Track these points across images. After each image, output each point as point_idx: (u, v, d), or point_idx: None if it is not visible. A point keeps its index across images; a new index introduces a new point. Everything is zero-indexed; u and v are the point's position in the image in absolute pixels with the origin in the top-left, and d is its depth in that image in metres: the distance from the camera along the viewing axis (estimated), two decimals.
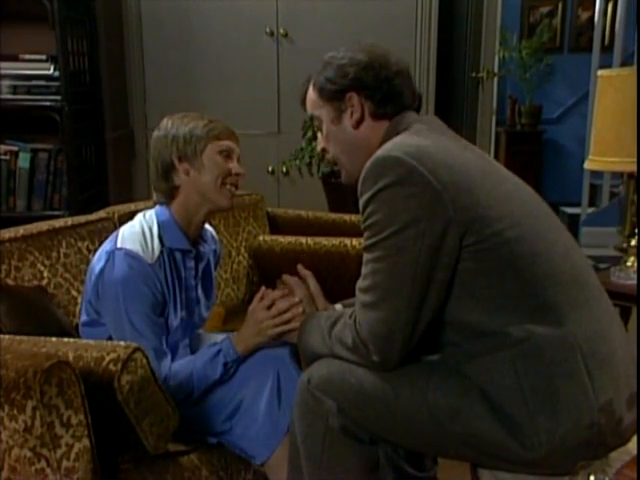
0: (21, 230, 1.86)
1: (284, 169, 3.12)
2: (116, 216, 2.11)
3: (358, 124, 1.44)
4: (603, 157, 2.53)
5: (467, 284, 1.25)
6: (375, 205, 1.25)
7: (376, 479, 1.38)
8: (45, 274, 1.86)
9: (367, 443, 1.35)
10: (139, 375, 1.26)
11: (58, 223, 1.97)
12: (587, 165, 2.62)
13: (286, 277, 1.60)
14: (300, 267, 1.62)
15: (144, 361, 1.30)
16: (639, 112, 2.30)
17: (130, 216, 2.14)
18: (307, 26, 3.29)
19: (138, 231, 1.62)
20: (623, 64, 5.23)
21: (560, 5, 5.53)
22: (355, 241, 2.39)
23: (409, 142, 1.31)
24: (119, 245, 1.57)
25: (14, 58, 2.84)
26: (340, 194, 2.76)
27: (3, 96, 2.81)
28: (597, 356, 1.23)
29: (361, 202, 1.28)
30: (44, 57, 2.83)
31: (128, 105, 3.37)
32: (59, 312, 1.81)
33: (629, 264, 2.62)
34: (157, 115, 3.54)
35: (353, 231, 2.50)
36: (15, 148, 2.85)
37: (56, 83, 2.81)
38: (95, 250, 2.00)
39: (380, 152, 1.29)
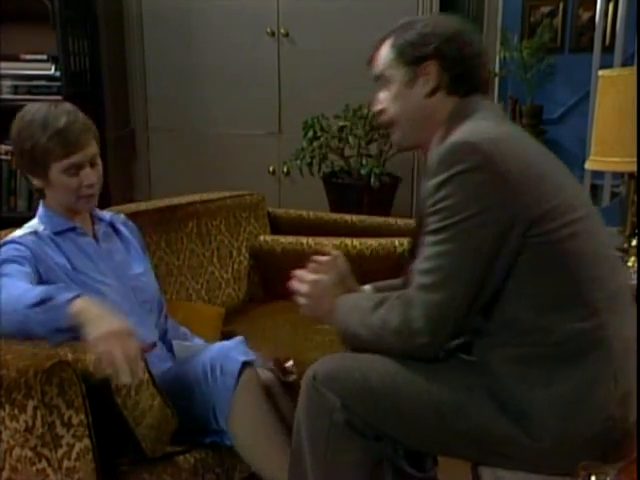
0: (19, 232, 1.87)
1: (285, 169, 3.11)
2: None
3: (431, 94, 1.42)
4: (604, 157, 2.53)
5: (522, 278, 1.27)
6: (449, 189, 1.25)
7: (380, 475, 1.38)
8: None
9: (371, 439, 1.35)
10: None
11: None
12: (588, 165, 2.61)
13: (317, 257, 1.56)
14: (331, 249, 1.61)
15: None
16: (639, 112, 2.31)
17: (131, 215, 2.17)
18: (308, 26, 3.29)
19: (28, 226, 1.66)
20: (624, 64, 5.23)
21: (561, 5, 5.52)
22: (356, 241, 2.39)
23: (485, 130, 1.32)
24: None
25: (15, 58, 2.85)
26: (341, 194, 2.77)
27: (4, 96, 2.82)
28: (627, 359, 1.27)
29: (433, 183, 1.28)
30: (45, 57, 2.85)
31: (129, 104, 3.37)
32: None
33: (630, 264, 2.62)
34: (158, 114, 3.57)
35: (354, 231, 2.50)
36: None
37: (57, 83, 2.82)
38: None
39: (458, 137, 1.30)
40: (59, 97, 2.80)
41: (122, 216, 1.88)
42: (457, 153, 1.27)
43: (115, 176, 3.22)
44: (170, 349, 1.80)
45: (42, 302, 1.26)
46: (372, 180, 2.66)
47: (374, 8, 3.18)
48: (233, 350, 1.57)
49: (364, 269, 2.37)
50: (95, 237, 1.70)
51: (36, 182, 1.59)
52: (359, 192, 2.67)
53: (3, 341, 1.22)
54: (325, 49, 3.23)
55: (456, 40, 1.41)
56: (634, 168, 2.55)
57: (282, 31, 3.31)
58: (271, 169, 3.31)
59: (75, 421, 1.13)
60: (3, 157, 2.85)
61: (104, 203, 3.10)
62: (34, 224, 1.65)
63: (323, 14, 3.28)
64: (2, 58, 2.84)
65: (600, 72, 2.59)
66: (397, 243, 2.38)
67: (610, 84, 2.52)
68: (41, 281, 1.50)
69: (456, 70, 1.41)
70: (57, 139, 1.52)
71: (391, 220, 2.59)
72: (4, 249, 1.55)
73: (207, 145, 3.39)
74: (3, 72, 2.82)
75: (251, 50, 3.36)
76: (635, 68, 2.65)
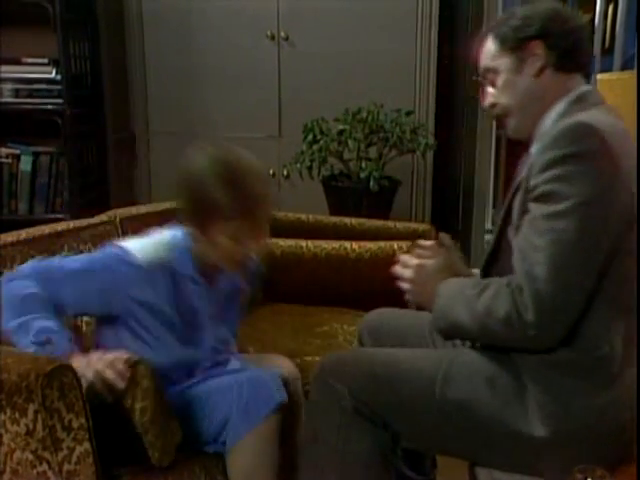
0: (23, 234, 1.87)
1: (285, 172, 3.13)
2: (118, 219, 2.11)
3: (540, 72, 1.42)
4: None
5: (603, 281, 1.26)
6: (564, 169, 1.23)
7: (389, 464, 1.39)
8: None
9: (381, 427, 1.37)
10: (144, 385, 1.26)
11: (60, 226, 1.98)
12: None
13: (421, 242, 1.54)
14: (442, 234, 1.56)
15: (148, 371, 1.30)
16: (639, 114, 2.31)
17: (132, 219, 2.18)
18: (308, 30, 3.30)
19: (156, 239, 1.54)
20: (624, 66, 5.24)
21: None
22: (355, 245, 2.40)
23: (604, 119, 1.30)
24: (125, 243, 1.52)
25: (16, 61, 2.86)
26: (341, 198, 2.78)
27: (5, 99, 2.83)
28: None
29: (544, 160, 1.26)
30: (46, 60, 2.85)
31: (130, 108, 3.38)
32: None
33: None
34: (159, 117, 3.58)
35: (353, 235, 2.51)
36: (17, 151, 2.87)
37: (58, 86, 2.83)
38: None
39: (578, 118, 1.28)
40: (60, 100, 2.82)
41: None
42: (574, 133, 1.25)
43: (116, 179, 3.24)
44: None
45: (40, 334, 1.29)
46: (371, 184, 2.67)
47: (374, 12, 3.19)
48: (270, 384, 1.50)
49: (363, 273, 2.39)
50: (212, 293, 1.60)
51: (189, 224, 1.47)
52: (358, 195, 2.67)
53: (4, 345, 1.24)
54: (325, 52, 3.25)
55: (558, 17, 1.42)
56: None
57: (282, 34, 3.32)
58: (271, 172, 3.32)
59: (75, 425, 1.14)
60: (4, 160, 2.86)
61: (105, 206, 3.13)
62: (166, 245, 1.51)
63: (323, 18, 3.29)
64: (3, 61, 2.85)
65: (599, 76, 2.61)
66: (396, 246, 2.38)
67: (609, 88, 2.53)
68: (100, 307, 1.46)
69: (562, 46, 1.41)
70: (249, 203, 1.40)
71: (390, 223, 2.59)
72: (109, 255, 1.46)
73: None
74: (4, 76, 2.83)
75: (251, 53, 3.37)
76: (634, 72, 2.67)
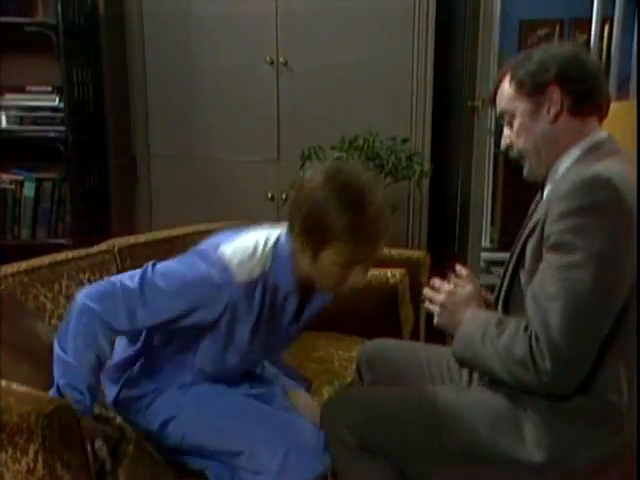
0: (23, 264, 1.94)
1: (284, 196, 3.17)
2: (116, 249, 2.17)
3: (556, 118, 1.44)
4: None
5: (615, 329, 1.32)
6: (580, 220, 1.27)
7: None
8: (48, 306, 1.93)
9: (385, 460, 1.44)
10: (127, 462, 1.35)
11: (60, 257, 2.04)
12: None
13: (459, 269, 1.59)
14: (459, 267, 1.59)
15: (130, 447, 1.41)
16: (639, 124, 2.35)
17: (130, 248, 2.22)
18: (306, 55, 3.36)
19: (253, 247, 1.49)
20: (620, 87, 5.30)
21: (557, 27, 5.60)
22: None
23: (619, 170, 1.34)
24: (221, 251, 1.47)
25: (21, 89, 2.92)
26: None
27: (10, 127, 2.88)
28: None
29: (561, 210, 1.30)
30: (49, 88, 2.91)
31: (131, 132, 3.43)
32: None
33: None
34: (159, 141, 3.63)
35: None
36: (21, 177, 2.93)
37: (60, 114, 2.88)
38: (95, 281, 2.09)
39: (595, 170, 1.32)
40: (62, 128, 2.87)
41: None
42: (590, 185, 1.29)
43: (117, 203, 3.28)
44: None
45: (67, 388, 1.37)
46: None
47: (372, 40, 3.24)
48: (313, 454, 1.49)
49: (358, 299, 2.43)
50: (300, 306, 1.59)
51: (299, 242, 1.41)
52: None
53: (5, 383, 1.29)
54: (323, 78, 3.30)
55: (575, 61, 1.45)
56: None
57: (281, 59, 3.37)
58: (269, 195, 3.37)
59: (75, 462, 1.19)
60: (8, 186, 2.92)
61: (106, 230, 3.18)
62: (263, 258, 1.47)
63: (322, 44, 3.35)
64: (9, 90, 2.90)
65: None
66: (389, 274, 2.44)
67: (612, 118, 2.57)
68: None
69: (579, 91, 1.43)
70: (359, 227, 1.33)
71: (385, 250, 2.63)
72: (209, 272, 1.42)
73: (207, 171, 3.45)
74: (10, 104, 2.89)
75: (250, 78, 3.42)
76: (623, 103, 2.71)
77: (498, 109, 1.53)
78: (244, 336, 1.52)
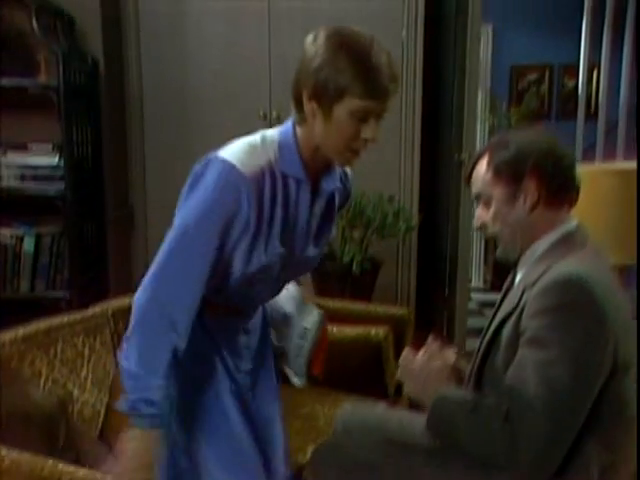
0: (21, 331, 2.02)
1: None
2: (110, 312, 2.26)
3: (532, 208, 1.52)
4: None
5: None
6: (555, 318, 1.37)
7: None
8: (43, 371, 2.02)
9: None
10: None
11: (55, 321, 2.13)
12: None
13: (432, 342, 1.63)
14: (430, 340, 1.65)
15: None
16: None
17: (124, 311, 2.31)
18: None
19: (248, 144, 1.49)
20: (608, 132, 5.41)
21: (547, 73, 5.74)
22: (335, 329, 2.52)
23: (590, 265, 1.44)
24: (221, 153, 1.46)
25: (23, 147, 3.03)
26: (325, 279, 2.91)
27: (11, 184, 2.99)
28: None
29: (537, 307, 1.39)
30: (50, 147, 3.02)
31: (128, 183, 3.55)
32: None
33: None
34: (156, 191, 3.74)
35: (336, 317, 2.63)
36: (21, 232, 3.02)
37: (60, 172, 2.98)
38: (90, 344, 2.18)
39: (568, 270, 1.41)
40: (62, 185, 2.98)
41: (348, 175, 1.69)
42: (563, 285, 1.38)
43: (114, 254, 3.38)
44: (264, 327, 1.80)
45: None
46: (354, 267, 2.81)
47: None
48: None
49: (343, 356, 2.52)
50: (312, 199, 1.55)
51: (306, 109, 1.41)
52: (342, 278, 2.82)
53: (4, 460, 1.37)
54: None
55: (552, 154, 1.52)
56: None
57: (274, 114, 3.50)
58: None
59: None
60: (8, 241, 3.02)
61: (103, 282, 3.27)
62: (265, 147, 1.47)
63: None
64: (12, 147, 3.01)
65: (579, 167, 2.73)
66: (373, 332, 2.52)
67: (590, 180, 2.66)
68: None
69: (555, 183, 1.51)
70: (369, 75, 1.34)
71: (371, 307, 2.73)
72: (214, 188, 1.39)
73: None
74: (12, 162, 3.00)
75: (244, 132, 3.53)
76: (603, 166, 2.80)
77: (474, 190, 1.60)
78: (264, 246, 1.49)
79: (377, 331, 2.50)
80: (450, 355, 1.63)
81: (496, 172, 1.53)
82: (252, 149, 1.46)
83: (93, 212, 3.24)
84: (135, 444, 1.43)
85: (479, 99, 5.68)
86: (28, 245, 3.02)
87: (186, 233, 1.42)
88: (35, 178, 3.01)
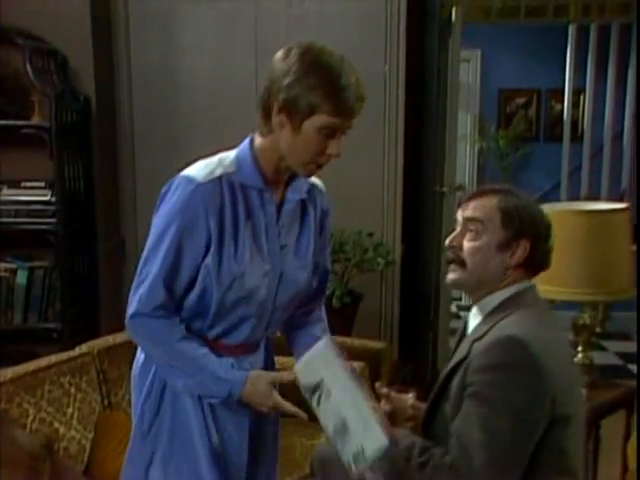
0: (9, 373, 2.14)
1: None
2: (95, 351, 2.38)
3: (516, 266, 1.61)
4: (543, 284, 2.77)
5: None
6: (496, 375, 1.48)
7: None
8: (30, 411, 2.13)
9: None
10: None
11: (43, 362, 2.25)
12: None
13: (383, 389, 1.74)
14: (378, 385, 1.75)
15: None
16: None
17: (109, 349, 2.43)
18: None
19: (205, 161, 1.56)
20: (593, 156, 5.53)
21: (535, 97, 5.85)
22: None
23: (533, 326, 1.54)
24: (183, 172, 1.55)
25: (17, 184, 3.15)
26: None
27: (5, 220, 3.10)
28: None
29: (481, 363, 1.50)
30: (42, 184, 3.14)
31: (120, 215, 3.66)
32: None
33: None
34: (148, 224, 3.84)
35: None
36: (14, 266, 3.14)
37: (52, 207, 3.10)
38: (76, 384, 2.29)
39: (511, 330, 1.51)
40: (53, 220, 3.10)
41: (321, 190, 1.71)
42: (505, 345, 1.49)
43: (105, 285, 3.49)
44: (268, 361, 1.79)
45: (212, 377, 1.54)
46: (334, 301, 2.92)
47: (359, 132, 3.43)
48: None
49: None
50: (279, 209, 1.59)
51: (273, 120, 1.47)
52: None
53: None
54: None
55: (548, 229, 1.64)
56: (569, 297, 2.81)
57: None
58: None
59: None
60: (2, 274, 3.14)
61: (94, 313, 3.38)
62: (222, 162, 1.54)
63: None
64: (7, 184, 3.13)
65: (546, 206, 2.82)
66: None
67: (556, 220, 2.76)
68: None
69: (539, 255, 1.63)
70: (342, 95, 1.42)
71: (348, 340, 2.83)
72: (175, 200, 1.49)
73: None
74: (6, 198, 3.12)
75: None
76: (570, 206, 2.88)
77: (470, 214, 1.64)
78: (244, 253, 1.53)
79: (353, 366, 2.59)
80: (407, 399, 1.75)
81: (506, 216, 1.61)
82: (208, 164, 1.54)
83: (85, 245, 3.35)
84: (251, 400, 1.58)
85: (468, 122, 5.84)
86: (21, 278, 3.13)
87: (152, 247, 1.53)
88: (28, 214, 3.13)
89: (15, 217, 3.13)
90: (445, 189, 3.58)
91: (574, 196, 5.40)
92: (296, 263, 1.64)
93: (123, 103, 3.61)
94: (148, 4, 3.56)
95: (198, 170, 1.52)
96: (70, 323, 3.14)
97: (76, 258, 3.27)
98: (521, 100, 5.86)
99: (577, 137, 5.59)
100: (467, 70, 5.74)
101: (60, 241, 3.10)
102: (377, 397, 1.71)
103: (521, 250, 1.61)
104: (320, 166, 1.52)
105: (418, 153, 3.83)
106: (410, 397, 1.77)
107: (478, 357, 1.53)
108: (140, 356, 1.71)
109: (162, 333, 1.57)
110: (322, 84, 1.41)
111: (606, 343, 5.11)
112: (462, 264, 1.65)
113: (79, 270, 3.29)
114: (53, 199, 3.12)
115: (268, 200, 1.56)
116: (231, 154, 1.57)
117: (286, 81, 1.43)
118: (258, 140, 1.54)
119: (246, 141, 1.58)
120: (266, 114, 1.48)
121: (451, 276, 1.68)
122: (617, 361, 4.83)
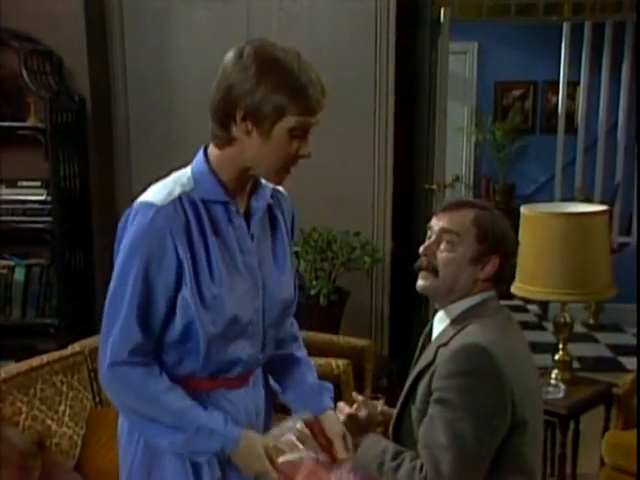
0: (2, 373, 2.22)
1: None
2: (87, 350, 2.46)
3: (485, 280, 1.67)
4: (524, 285, 2.85)
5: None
6: (460, 382, 1.55)
7: None
8: (23, 409, 2.22)
9: None
10: None
11: (35, 362, 2.32)
12: (513, 290, 2.92)
13: (357, 396, 1.79)
14: (354, 394, 1.80)
15: None
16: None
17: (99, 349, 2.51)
18: None
19: (159, 184, 1.45)
20: (587, 149, 5.56)
21: (531, 89, 5.88)
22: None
23: (494, 334, 1.61)
24: (136, 201, 1.43)
25: (14, 184, 3.23)
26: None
27: (3, 218, 3.19)
28: None
29: (445, 369, 1.57)
30: (38, 184, 3.22)
31: (116, 213, 3.73)
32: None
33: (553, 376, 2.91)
34: None
35: (321, 352, 2.78)
36: (12, 263, 3.24)
37: (48, 206, 3.19)
38: (68, 382, 2.38)
39: (472, 338, 1.58)
40: (49, 218, 3.18)
41: (284, 194, 1.61)
42: (468, 353, 1.56)
43: (101, 281, 3.57)
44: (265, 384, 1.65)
45: (199, 431, 1.38)
46: (321, 299, 3.00)
47: (340, 137, 3.40)
48: None
49: None
50: (247, 220, 1.48)
51: (235, 129, 1.36)
52: (310, 309, 3.00)
53: None
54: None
55: (515, 247, 1.71)
56: (548, 297, 2.87)
57: None
58: None
59: None
60: (1, 271, 3.23)
61: (90, 308, 3.48)
62: (178, 181, 1.43)
63: None
64: (4, 183, 3.22)
65: (522, 209, 2.89)
66: (334, 365, 2.71)
67: (528, 223, 2.83)
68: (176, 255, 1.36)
69: (507, 272, 1.70)
70: (305, 91, 1.34)
71: (334, 338, 2.92)
72: (136, 228, 1.37)
73: None
74: (4, 198, 3.20)
75: None
76: (549, 210, 2.94)
77: (445, 225, 1.68)
78: (221, 273, 1.41)
79: (337, 363, 2.69)
80: (376, 405, 1.83)
81: (481, 231, 1.66)
82: (164, 186, 1.43)
83: (81, 242, 3.44)
84: (241, 460, 1.44)
85: (465, 114, 5.88)
86: (19, 275, 3.23)
87: (117, 286, 1.41)
88: (25, 213, 3.22)
89: (12, 216, 3.22)
90: (434, 186, 3.64)
91: (568, 189, 5.44)
92: (277, 273, 1.53)
93: (118, 103, 3.67)
94: (142, 4, 3.62)
95: (154, 194, 1.41)
96: (66, 318, 3.24)
97: (72, 255, 3.36)
98: (517, 92, 5.89)
99: (572, 129, 5.62)
100: (464, 63, 5.78)
101: (56, 239, 3.19)
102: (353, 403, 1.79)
103: (491, 265, 1.68)
104: (289, 171, 1.42)
105: (409, 151, 3.88)
106: (379, 403, 1.85)
107: (443, 363, 1.60)
108: (124, 424, 1.54)
109: (144, 384, 1.40)
110: (285, 84, 1.33)
111: (598, 335, 5.19)
112: (434, 272, 1.70)
113: (75, 267, 3.38)
114: (49, 198, 3.20)
115: (234, 213, 1.45)
116: (186, 171, 1.46)
117: (246, 86, 1.33)
118: (215, 152, 1.43)
119: (199, 155, 1.47)
120: (224, 123, 1.37)
121: (422, 283, 1.73)
122: (608, 353, 4.90)
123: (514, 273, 1.78)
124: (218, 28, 3.63)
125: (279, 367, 1.67)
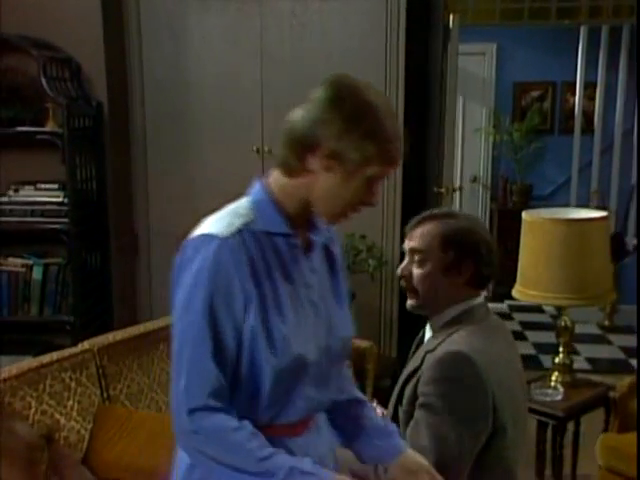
0: (14, 369, 2.33)
1: None
2: (95, 348, 2.56)
3: (461, 284, 1.73)
4: (525, 289, 2.89)
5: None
6: (444, 387, 1.62)
7: None
8: (33, 404, 2.33)
9: None
10: None
11: (45, 359, 2.43)
12: (513, 294, 2.97)
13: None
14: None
15: None
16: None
17: (108, 346, 2.62)
18: None
19: (217, 215, 1.36)
20: (604, 151, 5.53)
21: (550, 90, 5.86)
22: None
23: (480, 342, 1.67)
24: (193, 233, 1.34)
25: (32, 185, 3.36)
26: None
27: (22, 219, 3.33)
28: None
29: (430, 375, 1.64)
30: (56, 186, 3.34)
31: (132, 213, 3.85)
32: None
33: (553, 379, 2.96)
34: (159, 220, 4.04)
35: None
36: (30, 262, 3.37)
37: (65, 208, 3.31)
38: (76, 378, 2.49)
39: (457, 345, 1.65)
40: (66, 220, 3.30)
41: (333, 230, 1.51)
42: (452, 361, 1.63)
43: (117, 280, 3.70)
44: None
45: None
46: None
47: None
48: None
49: None
50: (307, 255, 1.40)
51: (313, 162, 1.29)
52: None
53: None
54: None
55: (488, 246, 1.75)
56: (550, 302, 2.91)
57: (266, 148, 3.76)
58: None
59: None
60: (20, 270, 3.37)
61: (106, 307, 3.60)
62: (236, 212, 1.35)
63: None
64: (23, 185, 3.35)
65: (524, 216, 2.93)
66: None
67: (529, 229, 2.87)
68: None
69: (485, 269, 1.75)
70: (391, 146, 1.30)
71: None
72: (200, 263, 1.28)
73: None
74: (22, 199, 3.34)
75: (239, 165, 3.81)
76: (550, 215, 2.97)
77: (413, 245, 1.75)
78: (288, 310, 1.34)
79: None
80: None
81: (444, 240, 1.72)
82: (222, 217, 1.34)
83: (97, 243, 3.56)
84: None
85: (483, 115, 5.89)
86: (37, 274, 3.36)
87: (184, 328, 1.29)
88: (43, 214, 3.35)
89: (31, 216, 3.35)
90: (443, 190, 3.68)
91: (585, 191, 5.42)
92: (338, 309, 1.45)
93: (135, 108, 3.78)
94: (159, 12, 3.72)
95: (212, 225, 1.32)
96: (82, 316, 3.36)
97: (88, 255, 3.48)
98: (536, 93, 5.88)
99: (590, 130, 5.60)
100: (482, 63, 5.79)
101: (72, 239, 3.31)
102: None
103: (465, 269, 1.74)
104: (347, 217, 1.36)
105: (420, 155, 3.93)
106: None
107: (429, 369, 1.67)
108: (183, 458, 1.40)
109: (228, 431, 1.29)
110: (375, 134, 1.28)
111: (612, 337, 5.18)
112: (414, 292, 1.79)
113: (91, 266, 3.50)
114: (66, 200, 3.32)
115: (297, 246, 1.38)
116: (243, 202, 1.38)
117: (335, 127, 1.27)
118: (281, 180, 1.35)
119: (257, 185, 1.39)
120: (302, 154, 1.30)
121: (408, 303, 1.83)
122: (621, 355, 4.89)
123: (495, 271, 1.79)
124: (232, 34, 3.73)
125: (342, 413, 1.56)
